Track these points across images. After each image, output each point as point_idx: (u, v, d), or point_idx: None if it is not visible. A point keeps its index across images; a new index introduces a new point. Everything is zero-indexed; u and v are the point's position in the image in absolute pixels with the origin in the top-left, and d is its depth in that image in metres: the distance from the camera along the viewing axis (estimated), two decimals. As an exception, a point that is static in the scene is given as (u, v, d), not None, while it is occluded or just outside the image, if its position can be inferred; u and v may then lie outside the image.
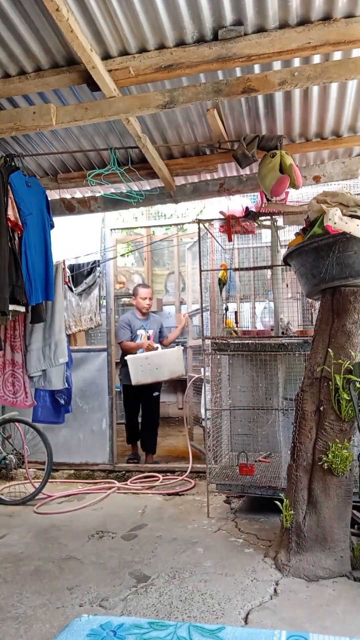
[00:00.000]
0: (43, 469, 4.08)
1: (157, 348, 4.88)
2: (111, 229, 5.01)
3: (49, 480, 4.10)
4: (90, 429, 4.83)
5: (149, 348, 4.80)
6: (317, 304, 2.87)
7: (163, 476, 4.42)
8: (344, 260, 2.49)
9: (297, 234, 2.81)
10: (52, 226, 3.63)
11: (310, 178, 3.86)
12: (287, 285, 4.11)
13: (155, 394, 4.98)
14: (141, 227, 5.53)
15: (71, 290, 4.80)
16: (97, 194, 4.31)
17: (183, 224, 5.46)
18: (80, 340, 5.04)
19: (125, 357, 4.64)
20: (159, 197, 4.15)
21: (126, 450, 5.15)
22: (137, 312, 5.00)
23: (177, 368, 4.68)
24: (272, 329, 3.94)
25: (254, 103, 3.18)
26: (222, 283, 4.09)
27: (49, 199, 3.67)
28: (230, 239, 3.90)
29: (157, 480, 4.33)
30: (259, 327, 4.56)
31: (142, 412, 5.00)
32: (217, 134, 3.35)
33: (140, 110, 2.75)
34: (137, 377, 4.57)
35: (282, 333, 3.61)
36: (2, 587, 2.54)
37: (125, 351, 4.79)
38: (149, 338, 4.93)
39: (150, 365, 4.57)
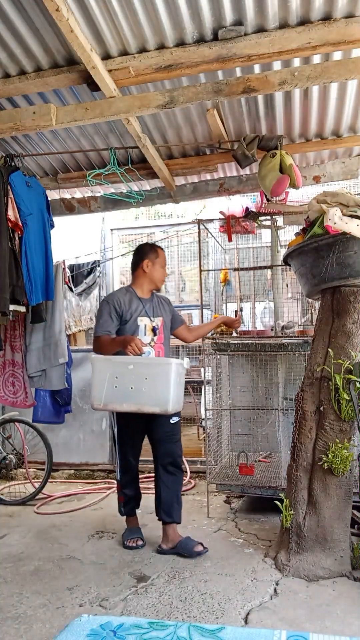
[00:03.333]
0: (43, 469, 4.08)
1: (146, 353, 2.86)
2: (111, 229, 5.01)
3: (49, 480, 4.10)
4: (90, 429, 4.83)
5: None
6: (317, 304, 2.87)
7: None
8: (344, 260, 2.49)
9: (297, 234, 2.81)
10: (52, 226, 3.63)
11: (310, 178, 3.86)
12: (287, 285, 4.11)
13: (175, 419, 2.94)
14: (141, 227, 5.56)
15: (71, 290, 4.80)
16: (97, 194, 4.31)
17: (183, 224, 5.46)
18: (80, 340, 5.04)
19: (92, 357, 2.77)
20: (159, 197, 4.15)
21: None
22: (138, 289, 3.00)
23: (173, 395, 2.62)
24: (272, 329, 3.94)
25: (254, 103, 3.18)
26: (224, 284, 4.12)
27: (49, 199, 3.67)
28: (230, 239, 3.90)
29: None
30: (259, 327, 4.55)
31: (154, 451, 2.99)
32: (217, 134, 3.35)
33: (140, 110, 2.75)
34: (103, 396, 2.64)
35: (282, 330, 3.61)
36: (2, 587, 2.53)
37: (101, 352, 2.83)
38: (155, 332, 2.97)
39: (132, 379, 2.60)
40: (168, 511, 2.89)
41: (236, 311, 4.31)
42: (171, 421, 2.91)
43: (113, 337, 2.85)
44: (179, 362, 2.68)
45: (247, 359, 3.93)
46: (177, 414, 2.92)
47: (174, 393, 2.59)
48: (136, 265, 3.01)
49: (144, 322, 2.94)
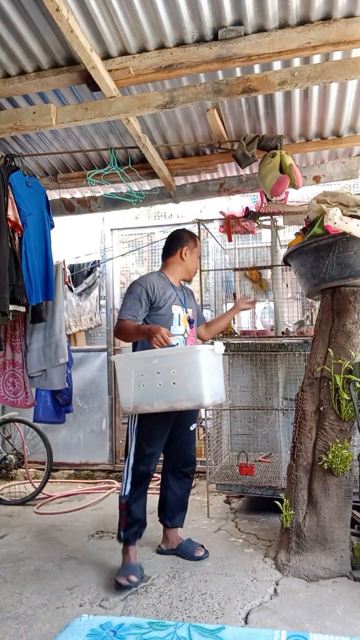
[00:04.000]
0: (43, 469, 4.08)
1: (178, 344, 2.60)
2: (111, 229, 5.01)
3: (49, 480, 4.10)
4: (90, 429, 4.83)
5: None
6: (317, 304, 2.87)
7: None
8: (344, 260, 2.49)
9: (297, 234, 2.82)
10: (52, 226, 3.63)
11: (310, 178, 3.86)
12: (287, 285, 4.11)
13: (193, 426, 2.82)
14: (141, 227, 5.55)
15: (71, 290, 4.80)
16: (97, 194, 4.31)
17: (183, 224, 5.46)
18: (80, 340, 5.04)
19: (113, 357, 2.64)
20: (159, 197, 4.14)
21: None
22: (171, 275, 2.77)
23: (207, 386, 2.35)
24: (272, 329, 3.94)
25: (254, 103, 3.18)
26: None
27: (49, 199, 3.67)
28: (230, 239, 3.90)
29: (157, 480, 4.32)
30: (259, 327, 4.56)
31: (167, 453, 2.81)
32: (217, 134, 3.35)
33: (140, 110, 2.75)
34: (132, 398, 2.41)
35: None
36: (2, 587, 2.53)
37: (121, 338, 2.67)
38: (191, 323, 2.77)
39: (159, 375, 2.34)
40: (171, 516, 2.80)
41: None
42: (191, 428, 2.77)
43: (138, 324, 2.54)
44: (208, 348, 2.42)
45: (247, 359, 3.93)
46: (195, 421, 2.82)
47: (207, 383, 2.31)
48: (173, 250, 2.78)
49: (177, 311, 2.67)
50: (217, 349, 2.47)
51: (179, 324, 2.67)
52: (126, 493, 2.55)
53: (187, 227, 5.38)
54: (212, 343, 2.61)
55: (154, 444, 2.61)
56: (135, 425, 2.58)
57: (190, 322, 2.76)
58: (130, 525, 2.56)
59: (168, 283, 2.72)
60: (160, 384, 2.33)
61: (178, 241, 2.79)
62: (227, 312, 3.09)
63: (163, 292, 2.64)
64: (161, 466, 2.83)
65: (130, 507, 2.55)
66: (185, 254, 2.77)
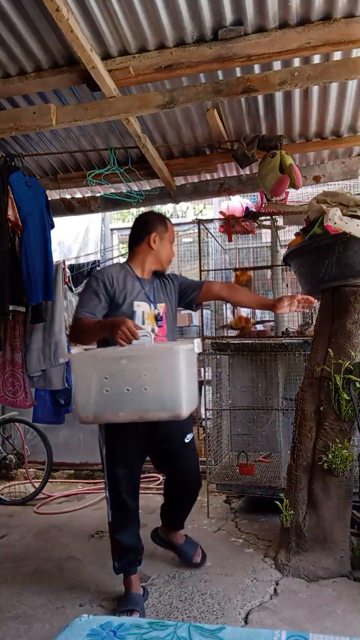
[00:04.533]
0: (43, 469, 4.08)
1: (148, 336, 2.02)
2: (111, 229, 5.01)
3: (49, 480, 4.10)
4: (90, 429, 4.82)
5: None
6: (317, 304, 2.87)
7: (163, 476, 4.41)
8: (344, 260, 2.49)
9: (297, 234, 2.81)
10: (52, 226, 3.63)
11: (310, 178, 3.86)
12: (287, 285, 4.11)
13: (189, 436, 2.41)
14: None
15: (71, 290, 4.79)
16: (97, 194, 4.31)
17: (183, 224, 5.47)
18: (80, 340, 5.03)
19: (69, 355, 2.32)
20: (159, 197, 4.14)
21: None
22: (137, 267, 2.38)
23: (186, 393, 1.96)
24: (272, 329, 3.94)
25: (254, 103, 3.18)
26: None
27: (49, 199, 3.67)
28: (230, 239, 3.90)
29: (157, 480, 4.32)
30: (259, 327, 4.55)
31: (168, 475, 2.55)
32: (217, 134, 3.35)
33: (140, 110, 2.75)
34: (92, 406, 1.97)
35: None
36: (2, 587, 2.53)
37: (80, 340, 2.22)
38: (158, 321, 2.34)
39: (128, 378, 1.93)
40: (172, 523, 2.61)
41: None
42: (185, 439, 2.31)
43: (98, 319, 2.15)
44: (188, 348, 1.99)
45: (247, 359, 3.93)
46: (190, 429, 2.39)
47: (185, 390, 1.92)
48: (139, 239, 2.35)
49: (142, 307, 2.24)
50: (197, 347, 2.08)
51: (143, 323, 2.24)
52: (110, 519, 2.29)
53: (187, 227, 5.34)
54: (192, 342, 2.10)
55: (125, 463, 2.21)
56: (104, 438, 2.23)
57: (158, 319, 2.29)
58: (122, 554, 2.28)
59: (132, 276, 2.28)
60: (128, 390, 1.90)
61: (145, 227, 2.35)
62: (265, 299, 2.58)
63: (123, 286, 2.23)
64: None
65: (116, 536, 2.26)
66: (155, 241, 2.32)
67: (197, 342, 2.08)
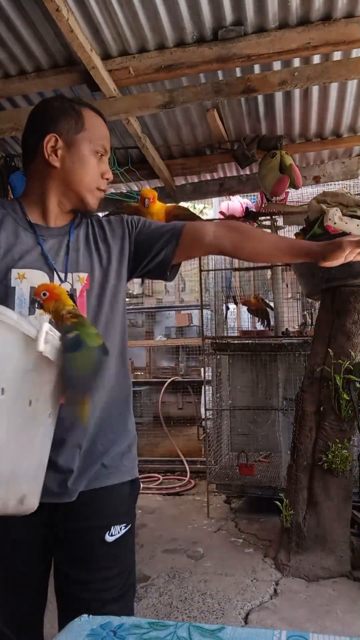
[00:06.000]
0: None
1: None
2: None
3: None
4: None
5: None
6: (317, 304, 2.87)
7: (163, 476, 4.42)
8: (344, 260, 2.49)
9: (297, 234, 2.82)
10: (52, 226, 3.61)
11: (310, 178, 3.85)
12: (287, 285, 4.11)
13: (117, 530, 1.17)
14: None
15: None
16: (97, 194, 4.30)
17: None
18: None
19: None
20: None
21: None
22: (34, 206, 1.22)
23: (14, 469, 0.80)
24: (272, 329, 3.95)
25: (254, 103, 3.18)
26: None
27: (49, 199, 3.66)
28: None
29: (157, 480, 4.33)
30: (259, 327, 4.56)
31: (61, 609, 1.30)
32: (217, 134, 3.35)
33: (140, 110, 2.75)
34: None
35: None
36: (2, 587, 2.53)
37: None
38: (74, 299, 1.12)
39: None
40: None
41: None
42: (108, 535, 1.16)
43: None
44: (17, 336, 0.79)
45: (247, 359, 3.93)
46: (121, 517, 1.19)
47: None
48: (31, 149, 1.22)
49: (29, 280, 1.15)
50: (42, 343, 0.82)
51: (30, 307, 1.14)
52: None
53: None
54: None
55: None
56: None
57: (73, 298, 1.15)
58: None
59: (19, 222, 1.20)
60: None
61: (39, 125, 1.21)
62: (300, 243, 1.41)
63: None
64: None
65: None
66: (58, 150, 1.18)
67: (46, 326, 0.83)
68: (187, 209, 1.95)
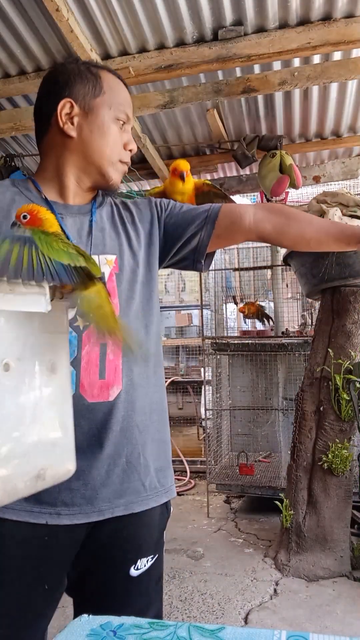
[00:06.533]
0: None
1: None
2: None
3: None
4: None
5: None
6: (317, 304, 2.87)
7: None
8: (344, 260, 2.49)
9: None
10: (52, 226, 3.61)
11: (310, 178, 3.85)
12: (287, 285, 4.11)
13: (143, 563, 1.03)
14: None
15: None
16: (97, 194, 4.31)
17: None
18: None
19: None
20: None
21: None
22: (49, 183, 1.08)
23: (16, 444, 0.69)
24: (272, 329, 3.95)
25: (254, 103, 3.18)
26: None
27: (49, 199, 3.66)
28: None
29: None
30: (259, 327, 4.56)
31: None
32: (217, 134, 3.35)
33: (140, 110, 2.75)
34: None
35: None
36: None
37: None
38: (104, 282, 0.95)
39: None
40: None
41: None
42: (134, 569, 1.02)
43: None
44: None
45: (247, 359, 3.93)
46: (149, 550, 1.07)
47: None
48: (45, 120, 1.09)
49: None
50: (46, 302, 0.73)
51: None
52: None
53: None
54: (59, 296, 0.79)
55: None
56: None
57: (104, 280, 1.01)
58: None
59: (35, 201, 1.04)
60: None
61: (52, 91, 1.08)
62: (351, 228, 1.08)
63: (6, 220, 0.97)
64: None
65: None
66: (74, 117, 1.05)
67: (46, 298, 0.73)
68: (217, 187, 1.59)
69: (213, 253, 1.18)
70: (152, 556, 1.05)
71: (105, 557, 0.98)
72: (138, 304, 1.05)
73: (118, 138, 1.08)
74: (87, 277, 0.78)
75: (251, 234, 1.11)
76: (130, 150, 1.11)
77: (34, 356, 0.74)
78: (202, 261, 1.14)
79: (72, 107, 1.04)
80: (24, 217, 0.82)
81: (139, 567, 1.02)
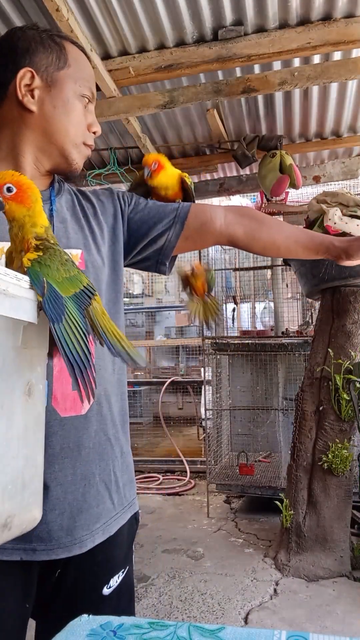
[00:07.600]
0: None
1: None
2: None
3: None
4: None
5: None
6: (317, 304, 2.87)
7: (163, 476, 4.42)
8: (344, 260, 2.49)
9: (297, 234, 2.82)
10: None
11: (310, 178, 3.85)
12: (287, 285, 4.11)
13: (115, 581, 0.95)
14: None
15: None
16: (97, 194, 4.30)
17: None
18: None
19: None
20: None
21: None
22: (2, 162, 0.93)
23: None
24: (272, 329, 3.95)
25: (254, 103, 3.18)
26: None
27: (49, 199, 3.66)
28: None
29: (157, 480, 4.33)
30: (259, 327, 4.56)
31: None
32: (217, 134, 3.35)
33: (140, 110, 2.75)
34: None
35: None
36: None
37: None
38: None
39: None
40: None
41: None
42: (106, 588, 0.94)
43: None
44: None
45: (247, 359, 3.93)
46: (118, 567, 0.98)
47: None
48: (1, 87, 0.94)
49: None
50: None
51: None
52: None
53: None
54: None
55: None
56: None
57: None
58: None
59: None
60: None
61: (9, 58, 0.93)
62: (320, 238, 1.09)
63: None
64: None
65: None
66: (35, 89, 0.92)
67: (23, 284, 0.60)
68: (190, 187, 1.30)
69: (175, 257, 1.09)
70: (122, 570, 0.98)
71: (78, 584, 0.91)
72: (104, 307, 0.82)
73: (82, 117, 0.96)
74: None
75: (222, 237, 1.05)
76: (94, 133, 0.99)
77: (10, 376, 0.60)
78: (167, 263, 1.06)
79: (32, 77, 0.91)
80: (9, 189, 0.68)
81: (111, 586, 0.95)
